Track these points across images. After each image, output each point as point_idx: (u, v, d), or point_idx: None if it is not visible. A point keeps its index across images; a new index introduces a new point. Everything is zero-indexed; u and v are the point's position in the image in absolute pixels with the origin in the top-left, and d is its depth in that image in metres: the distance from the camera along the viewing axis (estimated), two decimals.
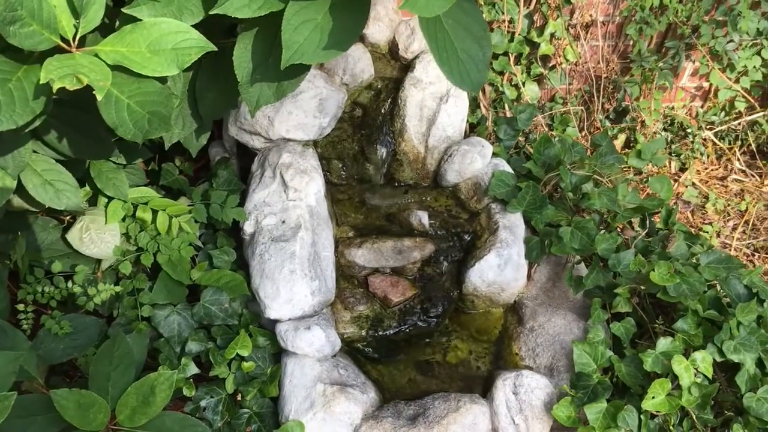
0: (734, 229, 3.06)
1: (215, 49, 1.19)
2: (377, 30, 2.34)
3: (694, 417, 1.84)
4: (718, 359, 1.88)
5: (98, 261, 1.85)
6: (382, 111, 2.29)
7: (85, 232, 1.77)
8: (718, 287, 2.05)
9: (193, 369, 1.86)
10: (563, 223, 2.15)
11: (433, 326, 2.13)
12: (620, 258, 2.01)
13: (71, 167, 1.63)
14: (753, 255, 2.94)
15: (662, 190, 2.35)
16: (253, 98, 1.41)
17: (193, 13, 1.23)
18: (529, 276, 2.21)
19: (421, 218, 2.18)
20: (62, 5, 1.12)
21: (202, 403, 1.90)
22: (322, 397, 1.81)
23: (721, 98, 3.33)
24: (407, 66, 2.35)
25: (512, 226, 2.17)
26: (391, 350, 2.12)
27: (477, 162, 2.26)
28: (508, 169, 2.29)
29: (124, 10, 1.23)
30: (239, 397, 1.94)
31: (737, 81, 3.26)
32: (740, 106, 3.33)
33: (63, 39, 1.17)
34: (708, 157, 3.37)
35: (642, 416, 1.84)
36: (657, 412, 1.83)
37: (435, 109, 2.28)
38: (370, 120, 2.29)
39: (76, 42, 1.18)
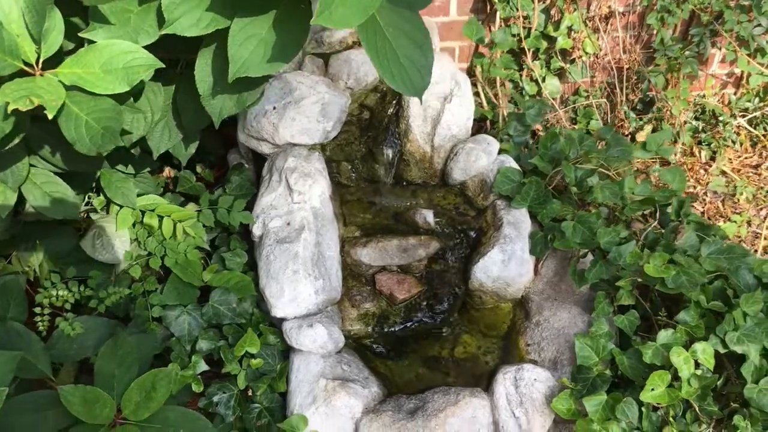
0: (766, 217, 2.98)
1: (163, 66, 1.27)
2: None
3: (696, 409, 1.83)
4: (722, 350, 1.86)
5: (114, 266, 1.97)
6: (388, 113, 2.34)
7: (97, 239, 1.89)
8: (729, 278, 2.02)
9: (202, 366, 1.95)
10: (568, 218, 2.16)
11: (439, 322, 2.16)
12: (621, 251, 2.00)
13: (79, 179, 1.74)
14: None
15: (674, 181, 2.33)
16: (216, 110, 1.49)
17: (149, 33, 1.32)
18: (536, 271, 2.22)
19: (426, 217, 2.22)
20: (24, 33, 1.22)
21: (215, 399, 1.99)
22: (324, 392, 1.88)
23: (753, 84, 3.26)
24: None
25: (516, 222, 2.19)
26: (400, 346, 2.17)
27: (482, 159, 2.29)
28: (515, 165, 2.31)
29: (81, 34, 1.32)
30: (250, 393, 2.02)
31: None
32: None
33: (27, 63, 1.28)
34: (741, 144, 3.28)
35: (643, 408, 1.83)
36: (658, 404, 1.82)
37: (439, 108, 2.32)
38: (376, 122, 2.35)
39: (40, 65, 1.28)
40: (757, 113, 3.29)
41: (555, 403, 1.86)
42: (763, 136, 3.27)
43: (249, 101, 1.47)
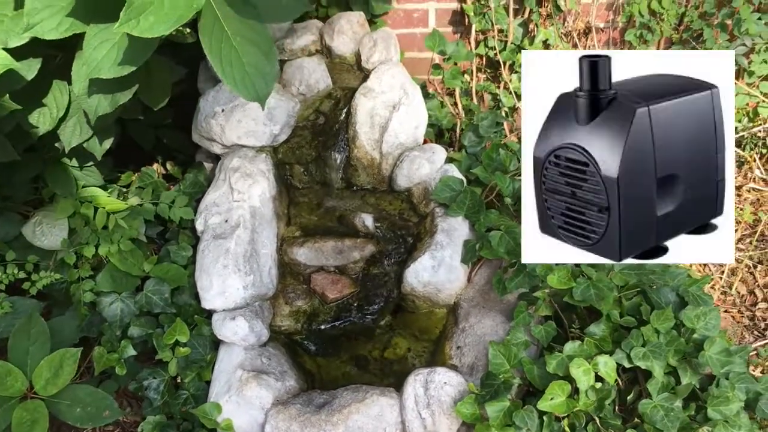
0: (740, 240, 2.93)
1: (17, 65, 1.39)
2: (341, 42, 2.49)
3: (597, 421, 1.85)
4: (627, 365, 1.87)
5: (55, 252, 2.11)
6: (339, 119, 2.42)
7: (37, 226, 2.03)
8: (648, 294, 2.03)
9: (130, 351, 2.06)
10: (502, 228, 2.20)
11: (369, 323, 2.23)
12: None
13: (22, 168, 1.89)
14: (755, 267, 2.82)
15: None
16: (92, 108, 1.60)
17: (20, 35, 1.44)
18: (469, 278, 2.27)
19: (365, 220, 2.29)
20: None
21: (145, 383, 2.11)
22: (238, 382, 1.96)
23: (739, 104, 3.20)
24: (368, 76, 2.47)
25: (450, 230, 2.24)
26: (332, 344, 2.24)
27: (424, 167, 2.34)
28: (458, 174, 2.35)
29: None
30: (180, 380, 2.13)
31: (758, 86, 3.13)
32: (765, 112, 3.19)
33: None
34: None
35: (545, 417, 1.86)
36: (558, 413, 1.84)
37: (387, 117, 2.39)
38: (328, 128, 2.43)
39: None
40: (745, 134, 3.23)
41: (459, 407, 1.90)
42: (750, 156, 3.22)
43: (121, 101, 1.59)
